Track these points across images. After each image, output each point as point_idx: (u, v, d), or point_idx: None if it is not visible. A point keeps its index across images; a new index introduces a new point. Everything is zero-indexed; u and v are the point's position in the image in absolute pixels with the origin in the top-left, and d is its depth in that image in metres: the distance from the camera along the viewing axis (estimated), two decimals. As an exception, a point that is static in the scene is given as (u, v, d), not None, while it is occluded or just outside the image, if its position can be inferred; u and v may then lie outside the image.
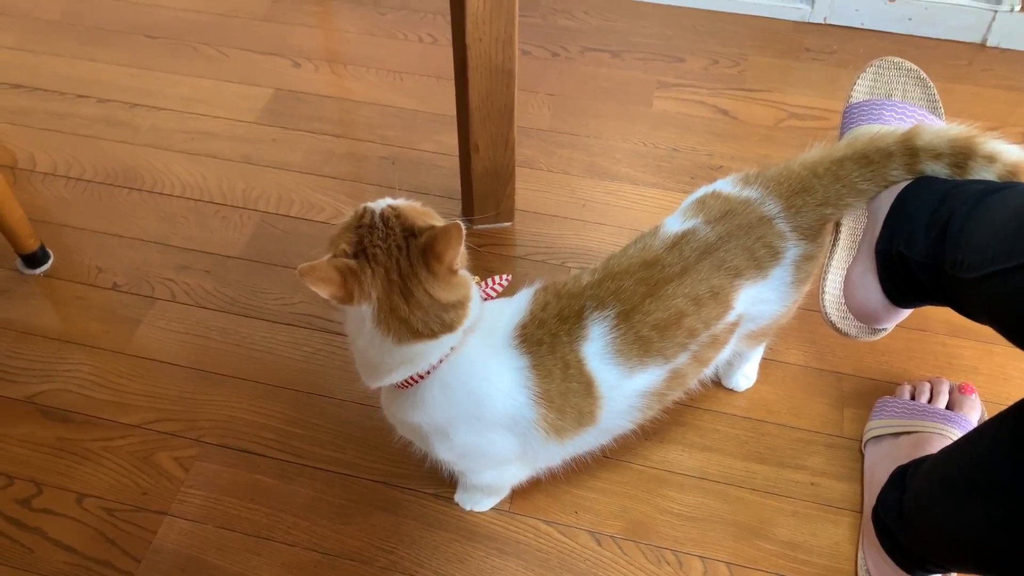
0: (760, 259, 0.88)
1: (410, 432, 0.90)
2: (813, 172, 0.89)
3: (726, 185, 0.93)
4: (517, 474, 0.96)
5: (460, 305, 0.78)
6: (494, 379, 0.84)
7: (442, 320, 0.78)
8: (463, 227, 0.73)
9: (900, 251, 0.82)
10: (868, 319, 0.93)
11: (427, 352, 0.79)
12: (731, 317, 0.89)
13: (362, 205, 0.78)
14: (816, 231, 0.90)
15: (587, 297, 0.86)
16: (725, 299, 0.87)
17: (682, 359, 0.88)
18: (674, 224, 0.91)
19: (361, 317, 0.76)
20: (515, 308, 0.88)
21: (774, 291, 0.91)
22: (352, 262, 0.75)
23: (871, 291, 0.89)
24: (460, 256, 0.77)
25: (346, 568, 0.97)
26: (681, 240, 0.88)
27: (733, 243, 0.87)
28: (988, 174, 0.82)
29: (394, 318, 0.76)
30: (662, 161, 1.44)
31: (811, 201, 0.89)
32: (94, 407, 1.12)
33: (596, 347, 0.85)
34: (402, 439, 0.95)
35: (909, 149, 0.85)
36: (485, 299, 0.86)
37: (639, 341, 0.85)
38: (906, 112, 0.99)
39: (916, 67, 1.03)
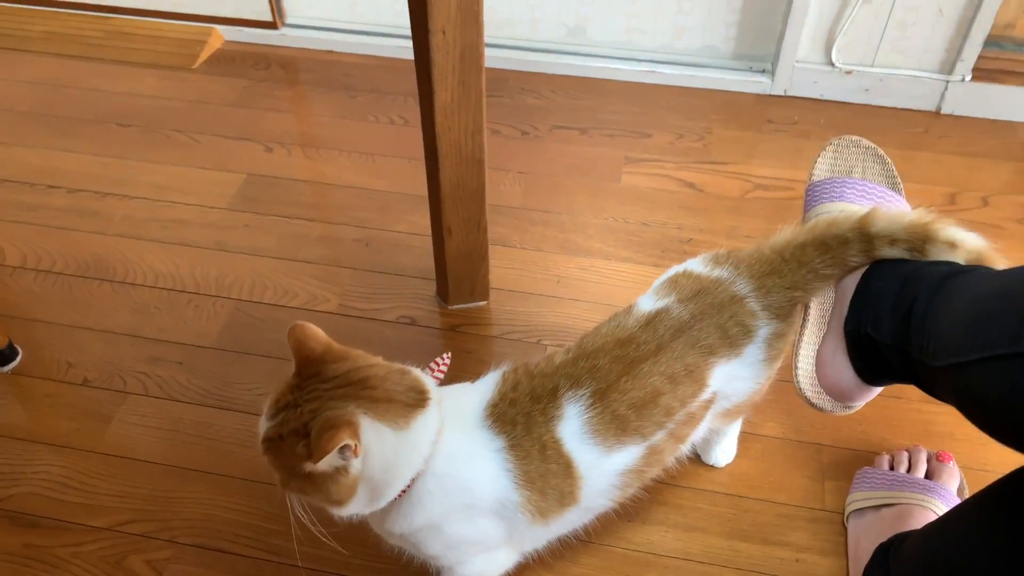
0: (733, 337, 0.89)
1: (402, 540, 0.88)
2: (780, 256, 0.91)
3: (697, 264, 0.95)
4: (504, 561, 0.94)
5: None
6: (478, 463, 0.83)
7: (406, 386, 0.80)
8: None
9: (868, 332, 0.83)
10: (841, 397, 0.94)
11: (425, 429, 0.79)
12: (706, 395, 0.89)
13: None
14: (786, 310, 0.91)
15: (561, 376, 0.86)
16: (700, 377, 0.88)
17: (659, 437, 0.88)
18: (647, 303, 0.92)
19: (367, 445, 0.76)
20: (483, 389, 0.88)
21: (747, 368, 0.92)
22: (340, 416, 0.74)
23: (842, 370, 0.90)
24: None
25: (326, 672, 0.94)
26: (655, 319, 0.89)
27: (706, 322, 0.88)
28: (952, 258, 0.83)
29: (383, 408, 0.77)
30: (633, 235, 1.47)
31: (780, 283, 0.90)
32: (64, 510, 1.09)
33: (572, 427, 0.84)
34: (393, 548, 0.93)
35: (864, 236, 0.87)
36: (437, 383, 0.86)
37: (616, 420, 0.85)
38: (866, 189, 1.01)
39: (874, 145, 1.06)
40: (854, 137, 1.06)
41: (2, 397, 1.22)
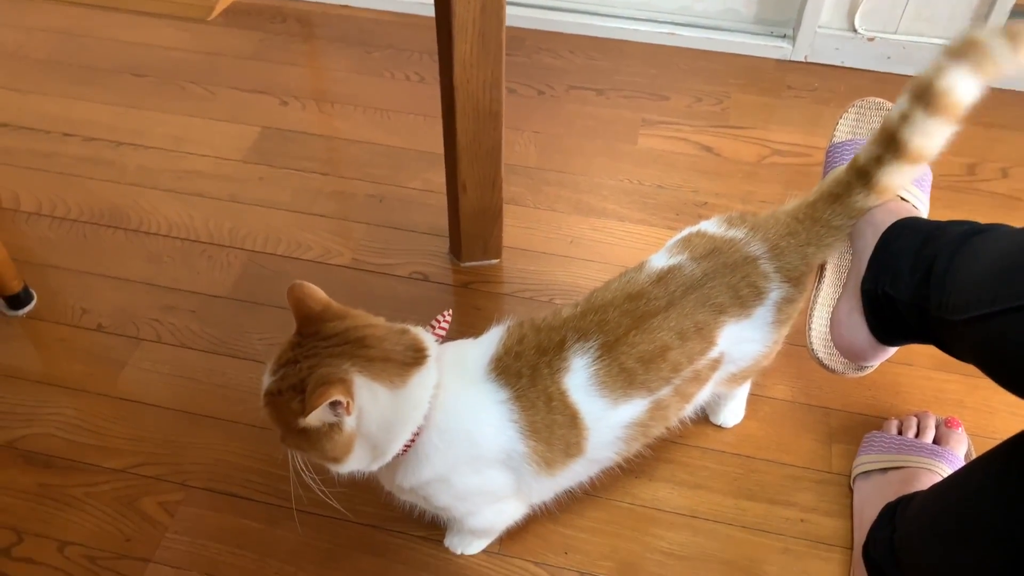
0: (744, 298, 0.89)
1: (412, 494, 0.89)
2: (795, 217, 0.92)
3: (711, 225, 0.94)
4: (513, 512, 0.95)
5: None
6: (482, 415, 0.84)
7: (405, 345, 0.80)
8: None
9: (886, 291, 0.82)
10: (855, 357, 0.94)
11: (422, 386, 0.80)
12: (714, 354, 0.89)
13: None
14: (799, 274, 0.91)
15: (568, 329, 0.87)
16: (709, 335, 0.88)
17: (665, 392, 0.88)
18: (659, 260, 0.92)
19: (360, 403, 0.76)
20: (486, 344, 0.89)
21: (756, 331, 0.92)
22: (334, 373, 0.75)
23: (858, 330, 0.90)
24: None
25: (334, 614, 0.96)
26: (667, 275, 0.89)
27: (718, 280, 0.88)
28: (932, 124, 0.83)
29: (378, 368, 0.77)
30: (647, 198, 1.46)
31: (794, 243, 0.91)
32: (77, 451, 1.10)
33: (579, 379, 0.85)
34: (404, 504, 0.94)
35: (858, 171, 0.88)
36: (439, 340, 0.86)
37: (623, 373, 0.85)
38: None
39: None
40: (877, 99, 1.05)
41: (17, 340, 1.23)
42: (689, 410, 0.97)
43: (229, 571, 0.99)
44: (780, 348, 0.99)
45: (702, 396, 0.96)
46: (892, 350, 0.93)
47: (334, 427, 0.76)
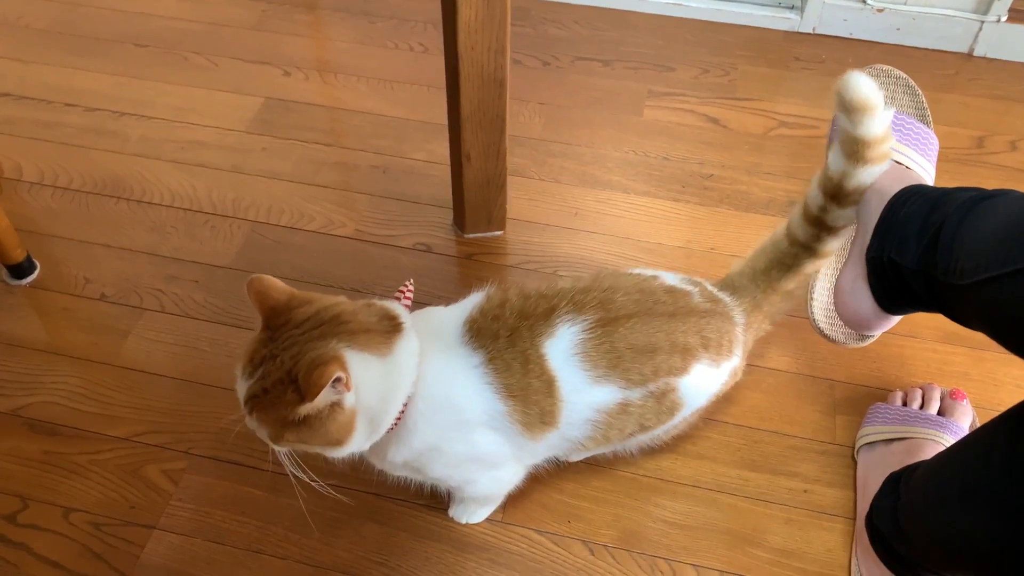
0: (722, 348, 0.93)
1: (406, 468, 0.89)
2: (756, 285, 0.99)
3: (709, 284, 1.00)
4: (511, 477, 0.96)
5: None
6: (459, 379, 0.84)
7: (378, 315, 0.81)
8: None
9: (891, 258, 0.82)
10: (859, 326, 0.93)
11: (408, 353, 0.80)
12: (677, 381, 0.90)
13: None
14: (747, 352, 1.00)
15: (563, 299, 0.87)
16: (688, 361, 0.91)
17: (636, 395, 0.88)
18: (672, 279, 0.96)
19: (356, 377, 0.75)
20: (459, 309, 0.89)
21: (706, 385, 0.94)
22: (325, 353, 0.74)
23: (862, 298, 0.89)
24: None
25: (337, 580, 0.97)
26: (678, 292, 0.94)
27: (714, 322, 0.93)
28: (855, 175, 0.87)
29: (363, 339, 0.77)
30: (653, 170, 1.45)
31: (759, 317, 1.00)
32: (81, 420, 1.10)
33: (562, 345, 0.85)
34: (399, 480, 0.94)
35: (790, 239, 0.96)
36: (407, 310, 0.86)
37: (612, 353, 0.86)
38: (893, 120, 0.99)
39: (905, 75, 1.03)
40: (885, 66, 1.04)
41: (21, 309, 1.23)
42: (632, 444, 0.99)
43: (233, 538, 1.00)
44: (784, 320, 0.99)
45: (636, 437, 0.96)
46: (896, 319, 0.92)
47: (335, 407, 0.75)
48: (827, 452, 1.08)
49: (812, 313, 0.98)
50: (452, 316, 0.88)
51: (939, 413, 1.05)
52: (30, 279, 1.27)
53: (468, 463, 0.90)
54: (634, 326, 0.87)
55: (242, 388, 0.78)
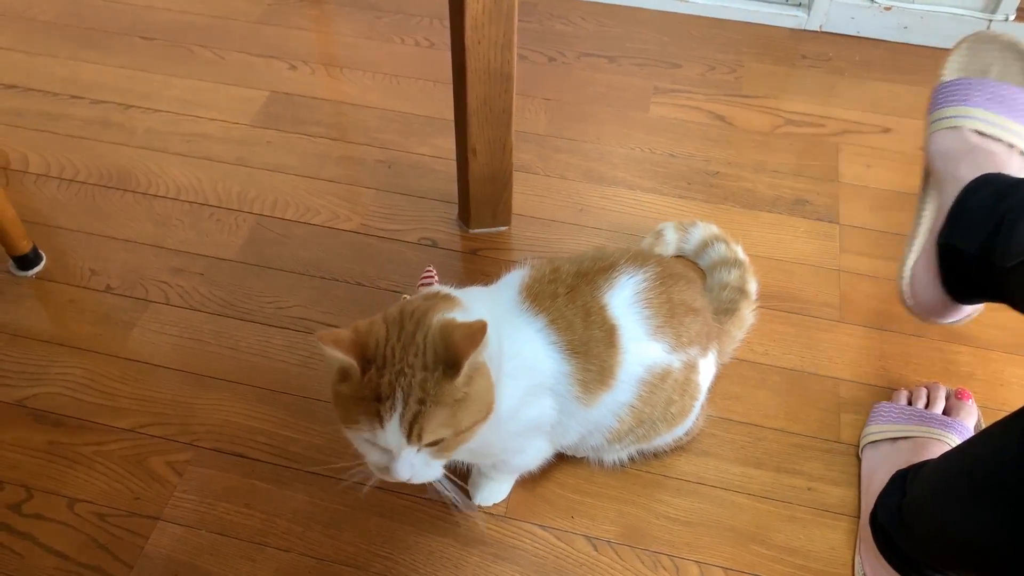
0: (710, 338, 0.99)
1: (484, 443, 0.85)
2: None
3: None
4: (547, 451, 0.96)
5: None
6: (531, 343, 0.84)
7: (425, 297, 0.82)
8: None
9: (956, 246, 0.82)
10: (930, 313, 0.93)
11: (479, 314, 0.79)
12: (700, 363, 0.96)
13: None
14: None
15: (624, 257, 0.91)
16: (710, 341, 0.99)
17: (677, 360, 0.90)
18: None
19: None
20: (505, 283, 0.90)
21: (707, 379, 1.00)
22: (444, 326, 0.75)
23: (931, 286, 0.89)
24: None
25: (340, 574, 0.97)
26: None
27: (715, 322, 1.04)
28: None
29: (443, 306, 0.79)
30: (659, 166, 1.44)
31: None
32: (86, 411, 1.11)
33: (623, 295, 0.87)
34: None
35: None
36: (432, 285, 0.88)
37: (668, 304, 0.90)
38: (999, 93, 0.90)
39: (1016, 41, 0.92)
40: (993, 32, 0.94)
41: (26, 300, 1.24)
42: (646, 444, 1.00)
43: (237, 530, 1.00)
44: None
45: (657, 431, 0.96)
46: (968, 309, 0.91)
47: (479, 371, 0.74)
48: (831, 450, 1.08)
49: (902, 291, 0.97)
50: (501, 289, 0.89)
51: (944, 413, 1.04)
52: (36, 270, 1.27)
53: (530, 431, 0.89)
54: (684, 288, 0.93)
55: (393, 430, 0.72)
